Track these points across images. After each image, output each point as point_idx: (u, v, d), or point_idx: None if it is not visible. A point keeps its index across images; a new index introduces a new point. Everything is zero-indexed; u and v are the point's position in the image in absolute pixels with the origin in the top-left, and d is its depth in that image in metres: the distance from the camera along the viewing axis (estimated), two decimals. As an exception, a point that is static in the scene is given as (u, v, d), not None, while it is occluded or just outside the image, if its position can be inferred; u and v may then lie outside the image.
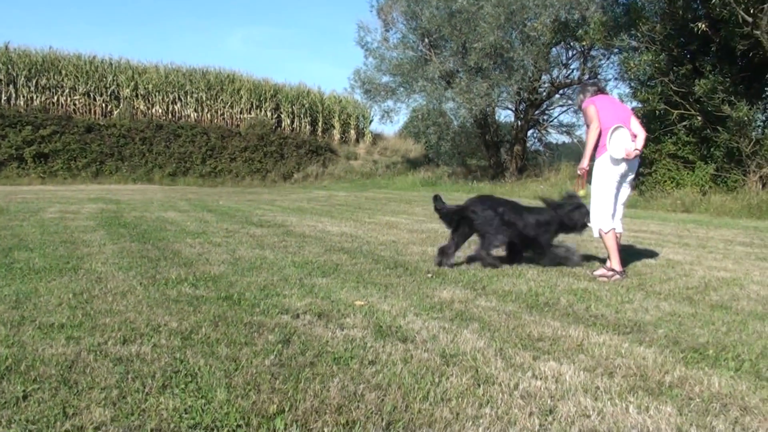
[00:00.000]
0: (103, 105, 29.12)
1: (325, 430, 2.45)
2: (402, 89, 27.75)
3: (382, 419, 2.54)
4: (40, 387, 2.78)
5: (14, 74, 27.28)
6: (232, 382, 2.87)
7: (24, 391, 2.73)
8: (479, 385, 2.91)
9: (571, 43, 25.99)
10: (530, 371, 3.11)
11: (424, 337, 3.66)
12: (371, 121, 37.47)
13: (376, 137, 37.84)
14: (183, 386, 2.81)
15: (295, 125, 33.71)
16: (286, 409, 2.60)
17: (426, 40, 26.54)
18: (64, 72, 28.50)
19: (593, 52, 25.59)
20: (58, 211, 11.84)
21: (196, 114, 30.99)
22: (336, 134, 35.58)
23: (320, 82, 64.34)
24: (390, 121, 41.10)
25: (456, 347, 3.48)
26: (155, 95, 30.24)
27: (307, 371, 3.02)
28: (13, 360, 3.10)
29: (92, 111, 28.86)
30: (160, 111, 30.22)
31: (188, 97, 30.96)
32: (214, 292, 4.75)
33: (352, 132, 36.44)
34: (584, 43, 22.59)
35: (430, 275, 5.78)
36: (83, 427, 2.42)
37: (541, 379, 3.01)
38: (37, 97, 27.53)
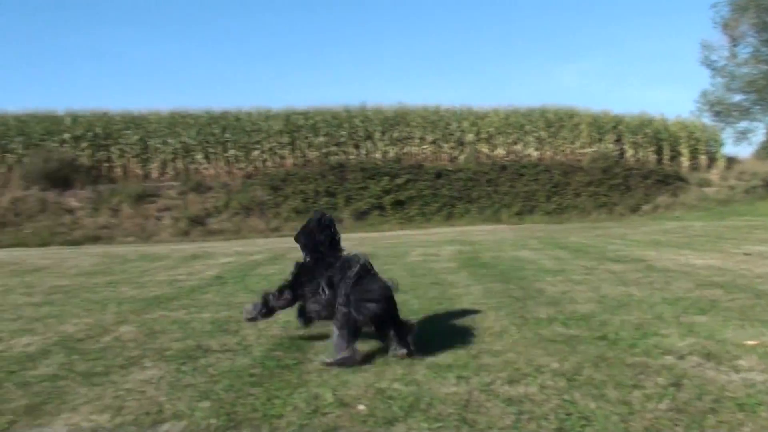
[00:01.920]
0: (450, 151, 31.04)
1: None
2: (757, 107, 25.38)
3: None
4: (443, 425, 2.96)
5: (371, 130, 30.50)
6: (629, 427, 2.78)
7: (428, 428, 2.93)
8: None
9: None
10: None
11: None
12: (723, 144, 34.56)
13: (730, 160, 34.73)
14: (579, 429, 2.80)
15: (638, 155, 32.46)
16: (696, 459, 2.44)
17: (784, 50, 23.95)
18: (413, 123, 31.18)
19: None
20: (420, 254, 12.70)
21: (537, 152, 31.46)
22: (684, 161, 33.39)
23: (661, 108, 61.22)
24: (747, 143, 37.47)
25: None
26: (497, 138, 31.45)
27: (710, 419, 2.82)
28: (414, 398, 3.35)
29: (440, 158, 30.89)
30: (502, 152, 31.26)
31: (528, 136, 31.58)
32: (587, 332, 4.69)
33: (702, 157, 33.88)
34: None
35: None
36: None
37: None
38: (391, 148, 30.30)
